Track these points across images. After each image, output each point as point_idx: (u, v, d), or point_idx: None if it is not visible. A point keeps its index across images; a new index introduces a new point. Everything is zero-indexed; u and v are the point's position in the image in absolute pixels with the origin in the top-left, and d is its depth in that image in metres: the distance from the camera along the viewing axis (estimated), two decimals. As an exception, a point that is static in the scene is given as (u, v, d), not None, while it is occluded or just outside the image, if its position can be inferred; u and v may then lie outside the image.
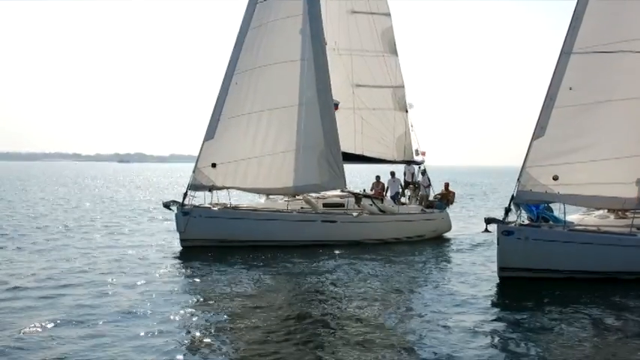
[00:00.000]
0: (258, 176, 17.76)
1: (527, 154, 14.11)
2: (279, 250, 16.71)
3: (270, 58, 17.90)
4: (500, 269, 13.83)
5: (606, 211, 15.53)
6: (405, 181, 20.52)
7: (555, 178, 14.03)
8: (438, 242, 19.13)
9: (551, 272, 13.77)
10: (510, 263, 13.71)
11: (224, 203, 18.05)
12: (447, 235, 20.00)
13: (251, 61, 17.85)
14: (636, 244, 13.92)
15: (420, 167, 20.25)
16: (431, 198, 19.95)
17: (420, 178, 20.29)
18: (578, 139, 13.94)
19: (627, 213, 14.91)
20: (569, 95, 13.84)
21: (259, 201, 20.11)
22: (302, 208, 18.70)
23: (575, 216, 16.01)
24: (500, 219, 14.07)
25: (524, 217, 14.45)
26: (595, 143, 13.92)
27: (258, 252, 16.38)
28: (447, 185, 20.26)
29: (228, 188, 17.96)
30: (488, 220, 14.43)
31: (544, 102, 14.02)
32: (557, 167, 13.99)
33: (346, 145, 18.98)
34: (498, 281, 13.57)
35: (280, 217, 17.87)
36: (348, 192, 19.11)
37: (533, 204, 14.41)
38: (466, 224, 23.52)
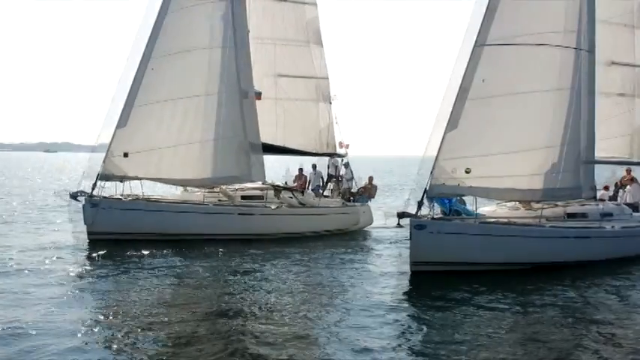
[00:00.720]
0: (173, 166, 17.22)
1: (440, 147, 14.17)
2: (193, 245, 16.24)
3: (189, 43, 17.38)
4: (414, 263, 13.81)
5: (517, 202, 15.80)
6: (328, 173, 20.38)
7: (468, 171, 14.15)
8: (358, 236, 19.10)
9: (463, 265, 13.87)
10: (423, 257, 13.71)
11: (136, 194, 17.42)
12: (368, 228, 19.99)
13: (169, 47, 17.25)
14: (543, 234, 14.23)
15: (342, 160, 20.14)
16: (354, 191, 19.88)
17: (343, 171, 20.19)
18: (489, 131, 14.11)
19: (535, 204, 15.23)
20: (482, 87, 13.96)
21: (174, 192, 19.55)
22: (219, 200, 18.27)
23: (487, 208, 16.23)
24: (413, 213, 14.11)
25: (437, 211, 14.55)
26: (506, 136, 14.13)
27: (171, 246, 15.86)
28: (370, 179, 20.25)
29: (141, 179, 17.34)
30: (401, 215, 14.43)
31: (457, 94, 14.09)
32: (470, 160, 14.10)
33: (267, 136, 18.66)
34: (411, 276, 13.53)
35: (195, 209, 17.40)
36: (268, 184, 18.81)
37: (446, 197, 14.49)
38: (391, 217, 23.52)
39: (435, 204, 14.45)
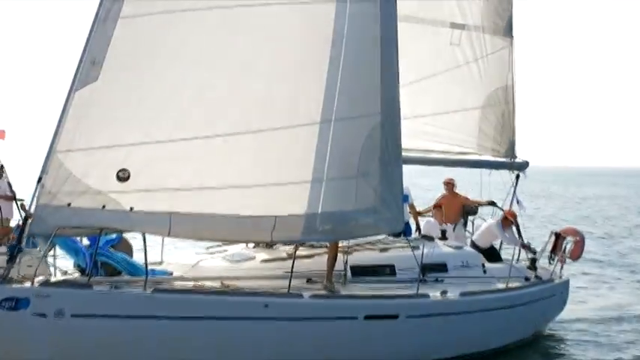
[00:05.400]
0: None
1: (58, 126, 6.80)
2: None
3: None
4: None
5: (248, 245, 8.68)
6: None
7: (123, 175, 6.93)
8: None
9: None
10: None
11: None
12: None
13: None
14: (302, 313, 7.31)
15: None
16: None
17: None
18: (167, 88, 7.04)
19: (284, 247, 8.28)
20: None
21: None
22: None
23: (182, 259, 8.83)
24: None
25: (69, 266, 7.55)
26: (206, 96, 7.15)
27: None
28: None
29: None
30: None
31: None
32: (126, 150, 6.95)
33: None
34: None
35: None
36: None
37: (79, 235, 7.19)
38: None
39: (61, 249, 7.26)
